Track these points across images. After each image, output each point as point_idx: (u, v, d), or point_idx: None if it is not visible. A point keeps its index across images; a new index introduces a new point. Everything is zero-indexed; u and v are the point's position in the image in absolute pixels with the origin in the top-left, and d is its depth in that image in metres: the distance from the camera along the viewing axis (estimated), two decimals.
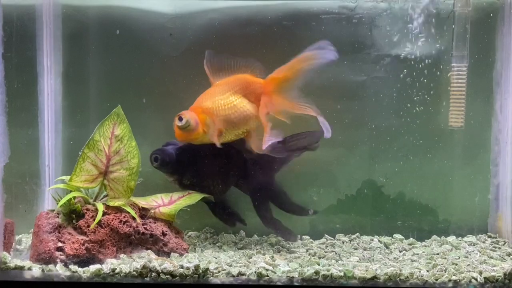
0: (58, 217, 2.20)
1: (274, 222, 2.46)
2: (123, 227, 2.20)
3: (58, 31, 2.50)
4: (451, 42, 2.44)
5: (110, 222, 2.19)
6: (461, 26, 2.42)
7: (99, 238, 2.15)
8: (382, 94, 2.53)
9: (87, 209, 2.20)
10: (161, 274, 2.04)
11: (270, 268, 2.09)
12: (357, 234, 2.57)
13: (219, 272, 2.06)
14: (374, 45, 2.52)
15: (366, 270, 2.09)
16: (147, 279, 2.04)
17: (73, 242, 2.13)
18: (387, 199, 2.58)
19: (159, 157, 2.36)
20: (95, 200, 2.26)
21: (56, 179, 2.45)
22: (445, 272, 2.10)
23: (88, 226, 2.16)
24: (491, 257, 2.31)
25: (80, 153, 2.20)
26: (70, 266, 2.07)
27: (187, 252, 2.28)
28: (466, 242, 2.51)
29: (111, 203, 2.23)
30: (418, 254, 2.37)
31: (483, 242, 2.51)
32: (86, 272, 2.04)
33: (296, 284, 2.05)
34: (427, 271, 2.11)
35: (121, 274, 2.04)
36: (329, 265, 2.16)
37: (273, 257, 2.25)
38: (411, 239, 2.54)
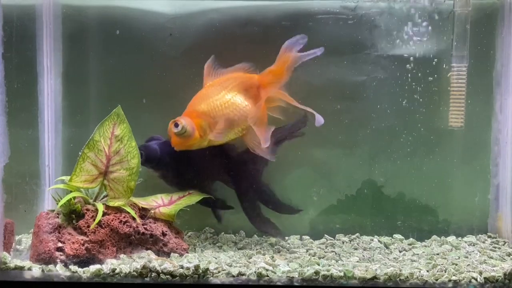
0: (58, 217, 2.20)
1: (259, 218, 2.45)
2: (123, 227, 2.20)
3: (58, 31, 2.50)
4: (451, 42, 2.44)
5: (110, 222, 2.19)
6: (461, 26, 2.42)
7: (99, 238, 2.15)
8: (382, 94, 2.53)
9: (87, 209, 2.20)
10: (161, 274, 2.04)
11: (270, 268, 2.09)
12: (357, 234, 2.57)
13: (219, 272, 2.06)
14: (373, 45, 2.52)
15: (366, 270, 2.09)
16: (147, 279, 2.04)
17: (73, 242, 2.13)
18: (387, 199, 2.58)
19: (143, 153, 2.33)
20: (95, 200, 2.26)
21: (56, 179, 2.45)
22: (445, 272, 2.10)
23: (88, 226, 2.16)
24: (491, 257, 2.31)
25: (80, 153, 2.20)
26: (70, 266, 2.07)
27: (187, 252, 2.28)
28: (466, 242, 2.51)
29: (111, 203, 2.23)
30: (418, 254, 2.37)
31: (483, 242, 2.51)
32: (86, 272, 2.04)
33: (296, 284, 2.05)
34: (427, 271, 2.11)
35: (121, 274, 2.04)
36: (329, 265, 2.16)
37: (273, 257, 2.25)
38: (411, 239, 2.54)
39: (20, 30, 2.42)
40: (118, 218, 2.21)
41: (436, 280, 2.06)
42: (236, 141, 2.39)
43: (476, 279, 2.05)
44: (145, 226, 2.24)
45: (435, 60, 2.51)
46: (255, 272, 2.06)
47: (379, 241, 2.53)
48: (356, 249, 2.44)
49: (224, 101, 2.32)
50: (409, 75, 2.52)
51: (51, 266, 2.07)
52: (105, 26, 2.52)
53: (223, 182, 2.49)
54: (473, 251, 2.39)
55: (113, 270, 2.04)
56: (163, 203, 2.34)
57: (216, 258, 2.23)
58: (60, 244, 2.12)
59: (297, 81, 2.46)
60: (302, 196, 2.59)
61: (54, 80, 2.50)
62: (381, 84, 2.53)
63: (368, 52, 2.52)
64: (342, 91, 2.54)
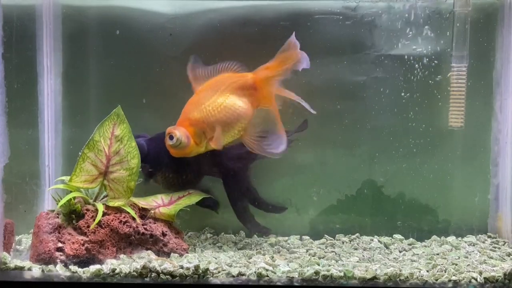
0: (58, 217, 2.20)
1: (245, 213, 2.46)
2: (123, 228, 2.20)
3: (58, 31, 2.50)
4: (451, 42, 2.44)
5: (110, 223, 2.19)
6: (461, 26, 2.42)
7: (99, 238, 2.15)
8: (382, 94, 2.53)
9: (87, 210, 2.21)
10: (161, 274, 2.04)
11: (270, 268, 2.09)
12: (357, 234, 2.57)
13: (219, 272, 2.06)
14: (373, 45, 2.52)
15: (366, 270, 2.09)
16: (147, 279, 2.04)
17: (73, 243, 2.13)
18: (387, 199, 2.58)
19: None
20: (95, 201, 2.26)
21: (56, 179, 2.45)
22: (445, 272, 2.10)
23: (88, 226, 2.16)
24: (491, 257, 2.31)
25: (80, 153, 2.20)
26: (70, 267, 2.07)
27: (187, 253, 2.28)
28: (466, 242, 2.51)
29: (111, 204, 2.23)
30: (418, 254, 2.37)
31: (483, 242, 2.51)
32: (86, 273, 2.04)
33: (296, 284, 2.05)
34: (427, 271, 2.11)
35: (121, 275, 2.04)
36: (329, 265, 2.16)
37: (273, 257, 2.25)
38: (411, 239, 2.54)
39: (20, 30, 2.42)
40: (118, 218, 2.21)
41: (436, 280, 2.06)
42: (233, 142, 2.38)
43: (476, 279, 2.05)
44: (145, 226, 2.24)
45: (435, 60, 2.51)
46: (255, 272, 2.06)
47: (379, 241, 2.53)
48: (356, 249, 2.44)
49: (216, 106, 2.29)
50: (409, 74, 2.52)
51: (51, 266, 2.07)
52: (105, 26, 2.52)
53: (211, 175, 2.48)
54: (473, 251, 2.39)
55: (113, 270, 2.04)
56: (163, 203, 2.34)
57: (216, 258, 2.23)
58: (60, 244, 2.12)
59: (297, 81, 2.47)
60: (302, 196, 2.59)
61: (54, 80, 2.51)
62: (381, 84, 2.53)
63: (368, 52, 2.52)
64: (342, 91, 2.54)
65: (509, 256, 2.34)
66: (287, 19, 2.48)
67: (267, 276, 2.06)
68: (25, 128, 2.47)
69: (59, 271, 2.05)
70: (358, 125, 2.55)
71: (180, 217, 2.40)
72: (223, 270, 2.07)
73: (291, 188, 2.59)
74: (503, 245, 2.49)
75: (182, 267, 2.05)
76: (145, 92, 2.53)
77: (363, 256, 2.34)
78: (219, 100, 2.29)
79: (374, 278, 2.05)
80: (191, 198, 2.39)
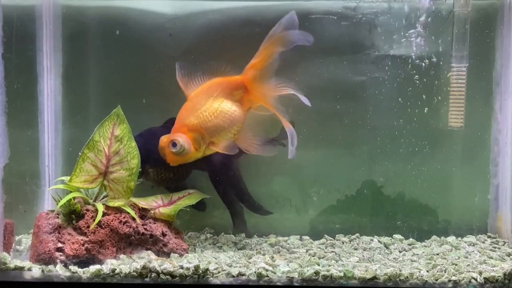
0: (58, 217, 2.20)
1: (231, 207, 2.47)
2: (123, 228, 2.20)
3: (58, 31, 2.50)
4: (451, 43, 2.44)
5: (110, 223, 2.19)
6: (461, 26, 2.42)
7: (99, 238, 2.15)
8: (382, 94, 2.53)
9: (87, 210, 2.21)
10: (161, 274, 2.04)
11: (270, 268, 2.09)
12: (357, 234, 2.57)
13: (219, 272, 2.06)
14: (373, 45, 2.52)
15: (366, 271, 2.09)
16: (147, 279, 2.04)
17: (73, 243, 2.13)
18: (386, 199, 2.58)
19: None
20: (95, 201, 2.26)
21: (56, 179, 2.45)
22: (445, 272, 2.10)
23: (88, 226, 2.16)
24: (491, 257, 2.31)
25: (80, 153, 2.20)
26: (70, 267, 2.07)
27: (187, 253, 2.28)
28: (466, 242, 2.51)
29: (111, 204, 2.23)
30: (418, 254, 2.37)
31: (483, 242, 2.51)
32: (86, 273, 2.04)
33: (296, 284, 2.05)
34: (427, 271, 2.11)
35: (121, 275, 2.04)
36: (329, 266, 2.16)
37: (273, 257, 2.25)
38: (411, 239, 2.54)
39: (20, 30, 2.42)
40: (118, 219, 2.21)
41: (436, 280, 2.06)
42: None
43: (476, 279, 2.05)
44: (145, 227, 2.24)
45: (435, 60, 2.51)
46: (255, 272, 2.06)
47: (379, 241, 2.53)
48: (356, 249, 2.44)
49: (212, 111, 2.28)
50: (409, 75, 2.52)
51: (51, 267, 2.07)
52: (105, 26, 2.52)
53: (199, 169, 2.49)
54: (473, 251, 2.39)
55: (113, 270, 2.04)
56: (163, 203, 2.34)
57: (216, 259, 2.23)
58: (60, 245, 2.12)
59: (297, 81, 2.47)
60: (302, 196, 2.59)
61: (54, 81, 2.51)
62: (381, 84, 2.53)
63: (367, 52, 2.52)
64: (342, 91, 2.54)
65: (509, 256, 2.34)
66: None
67: (267, 276, 2.06)
68: (25, 128, 2.47)
69: (59, 271, 2.05)
70: (358, 125, 2.55)
71: (180, 217, 2.40)
72: (223, 270, 2.07)
73: (291, 188, 2.59)
74: (503, 245, 2.49)
75: (182, 267, 2.05)
76: (145, 92, 2.53)
77: (363, 256, 2.34)
78: (214, 105, 2.29)
79: (374, 278, 2.05)
80: (191, 198, 2.39)
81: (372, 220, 2.59)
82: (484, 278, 2.06)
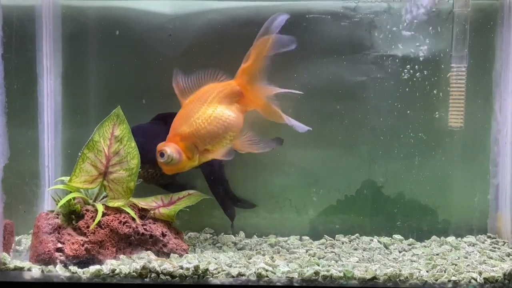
0: (57, 218, 2.20)
1: (223, 200, 2.47)
2: (122, 228, 2.20)
3: (57, 31, 2.50)
4: (451, 43, 2.44)
5: (110, 223, 2.19)
6: (461, 26, 2.43)
7: (98, 238, 2.15)
8: (382, 94, 2.53)
9: (87, 210, 2.21)
10: (160, 274, 2.04)
11: (270, 268, 2.09)
12: (357, 234, 2.57)
13: (218, 272, 2.06)
14: (372, 45, 2.52)
15: (366, 271, 2.09)
16: (147, 279, 2.04)
17: (73, 243, 2.13)
18: (386, 199, 2.58)
19: None
20: (94, 201, 2.26)
21: (56, 179, 2.45)
22: (445, 272, 2.10)
23: (88, 226, 2.16)
24: (491, 258, 2.31)
25: (79, 153, 2.20)
26: (69, 267, 2.07)
27: (187, 253, 2.28)
28: (465, 242, 2.51)
29: (111, 204, 2.23)
30: (417, 254, 2.37)
31: (483, 243, 2.51)
32: (85, 273, 2.04)
33: (295, 284, 2.05)
34: (427, 271, 2.11)
35: (121, 275, 2.04)
36: (329, 266, 2.16)
37: (272, 257, 2.25)
38: (411, 239, 2.54)
39: (20, 30, 2.42)
40: (118, 219, 2.21)
41: (436, 280, 2.06)
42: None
43: (475, 280, 2.05)
44: (144, 227, 2.24)
45: (435, 60, 2.51)
46: (254, 272, 2.06)
47: (378, 241, 2.53)
48: (355, 249, 2.44)
49: (206, 118, 2.26)
50: (409, 75, 2.52)
51: (50, 267, 2.07)
52: (105, 26, 2.52)
53: None
54: (472, 252, 2.39)
55: (113, 270, 2.04)
56: (163, 203, 2.34)
57: (215, 259, 2.23)
58: (59, 245, 2.12)
59: (297, 81, 2.47)
60: (302, 196, 2.59)
61: (54, 81, 2.51)
62: (380, 84, 2.53)
63: (367, 52, 2.52)
64: (341, 91, 2.54)
65: (508, 256, 2.34)
66: (287, 19, 2.47)
67: (267, 276, 2.06)
68: (25, 128, 2.47)
69: (59, 271, 2.05)
70: (358, 125, 2.55)
71: (179, 217, 2.40)
72: (223, 271, 2.07)
73: (291, 188, 2.59)
74: (503, 245, 2.49)
75: (181, 268, 2.05)
76: (145, 93, 2.53)
77: (363, 256, 2.34)
78: (208, 111, 2.27)
79: (374, 278, 2.05)
80: (191, 199, 2.39)
81: (372, 220, 2.59)
82: (484, 278, 2.06)
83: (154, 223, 2.27)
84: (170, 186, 2.46)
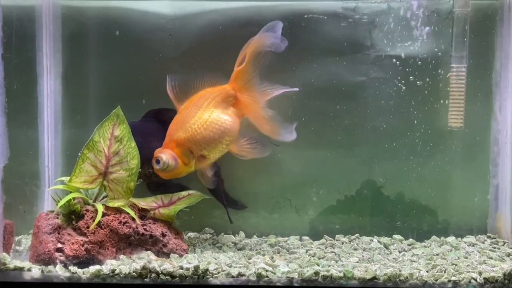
0: (57, 218, 2.20)
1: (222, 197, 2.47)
2: (122, 228, 2.20)
3: (57, 32, 2.50)
4: (450, 43, 2.44)
5: (110, 223, 2.19)
6: (460, 27, 2.43)
7: (98, 239, 2.15)
8: (381, 94, 2.53)
9: (87, 210, 2.21)
10: (160, 275, 2.04)
11: (270, 268, 2.09)
12: (357, 234, 2.57)
13: (218, 273, 2.06)
14: (373, 45, 2.52)
15: (366, 271, 2.09)
16: (147, 280, 2.04)
17: (73, 243, 2.13)
18: (386, 199, 2.58)
19: None
20: (94, 201, 2.26)
21: (56, 180, 2.45)
22: (445, 272, 2.10)
23: (88, 227, 2.16)
24: (491, 258, 2.31)
25: (79, 154, 2.20)
26: (69, 267, 2.07)
27: (187, 253, 2.28)
28: (465, 242, 2.51)
29: (111, 204, 2.23)
30: (417, 254, 2.37)
31: (483, 243, 2.51)
32: (85, 273, 2.04)
33: (295, 284, 2.05)
34: (427, 271, 2.11)
35: (121, 275, 2.04)
36: (329, 266, 2.16)
37: (272, 257, 2.25)
38: (411, 239, 2.54)
39: (19, 30, 2.42)
40: (118, 219, 2.21)
41: (436, 280, 2.06)
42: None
43: (475, 280, 2.05)
44: (144, 227, 2.24)
45: (435, 60, 2.51)
46: (254, 272, 2.06)
47: (378, 241, 2.53)
48: (355, 249, 2.44)
49: (202, 123, 2.25)
50: (409, 75, 2.52)
51: (50, 267, 2.07)
52: (105, 26, 2.52)
53: None
54: (472, 252, 2.39)
55: (113, 270, 2.04)
56: (163, 203, 2.34)
57: (215, 259, 2.23)
58: (59, 245, 2.12)
59: (297, 81, 2.47)
60: (302, 196, 2.59)
61: (54, 81, 2.51)
62: (380, 84, 2.53)
63: (367, 52, 2.52)
64: (341, 91, 2.54)
65: (508, 257, 2.34)
66: (287, 19, 2.47)
67: (267, 276, 2.06)
68: (25, 128, 2.47)
69: (59, 271, 2.05)
70: (357, 125, 2.55)
71: (179, 217, 2.40)
72: (223, 271, 2.07)
73: (291, 188, 2.59)
74: (503, 245, 2.49)
75: (181, 268, 2.05)
76: (145, 93, 2.53)
77: (363, 256, 2.34)
78: (203, 116, 2.26)
79: (374, 278, 2.05)
80: (191, 199, 2.39)
81: (372, 220, 2.59)
82: (484, 278, 2.06)
83: (154, 223, 2.27)
84: (168, 186, 2.45)
